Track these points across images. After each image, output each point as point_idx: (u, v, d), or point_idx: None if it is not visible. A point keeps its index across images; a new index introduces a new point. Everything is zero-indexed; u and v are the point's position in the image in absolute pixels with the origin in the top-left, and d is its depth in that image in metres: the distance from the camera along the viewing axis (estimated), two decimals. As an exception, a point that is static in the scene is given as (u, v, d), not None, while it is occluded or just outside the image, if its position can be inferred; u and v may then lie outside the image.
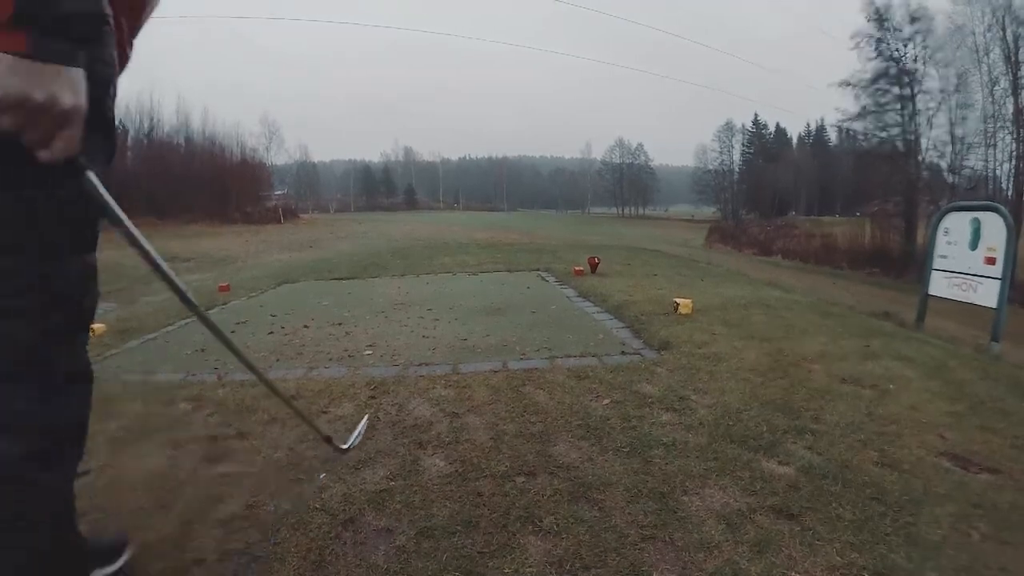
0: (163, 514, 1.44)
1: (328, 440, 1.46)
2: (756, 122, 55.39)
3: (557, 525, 1.32)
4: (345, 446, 1.58)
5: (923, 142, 21.54)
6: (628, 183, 64.92)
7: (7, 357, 0.75)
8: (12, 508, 0.77)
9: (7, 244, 0.72)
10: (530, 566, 1.20)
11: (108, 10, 0.71)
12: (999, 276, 3.25)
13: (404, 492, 1.49)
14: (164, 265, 0.82)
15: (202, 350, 2.95)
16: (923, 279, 3.89)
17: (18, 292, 0.74)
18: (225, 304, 4.42)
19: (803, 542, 1.23)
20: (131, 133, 22.67)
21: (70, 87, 0.63)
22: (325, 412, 2.01)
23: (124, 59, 0.87)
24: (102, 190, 0.72)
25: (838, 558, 1.18)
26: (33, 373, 0.77)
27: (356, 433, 1.70)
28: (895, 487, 1.45)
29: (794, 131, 58.23)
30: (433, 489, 1.50)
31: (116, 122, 0.86)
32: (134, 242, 0.77)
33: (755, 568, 1.16)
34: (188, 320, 3.84)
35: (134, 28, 0.90)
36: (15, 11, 0.59)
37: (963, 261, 3.51)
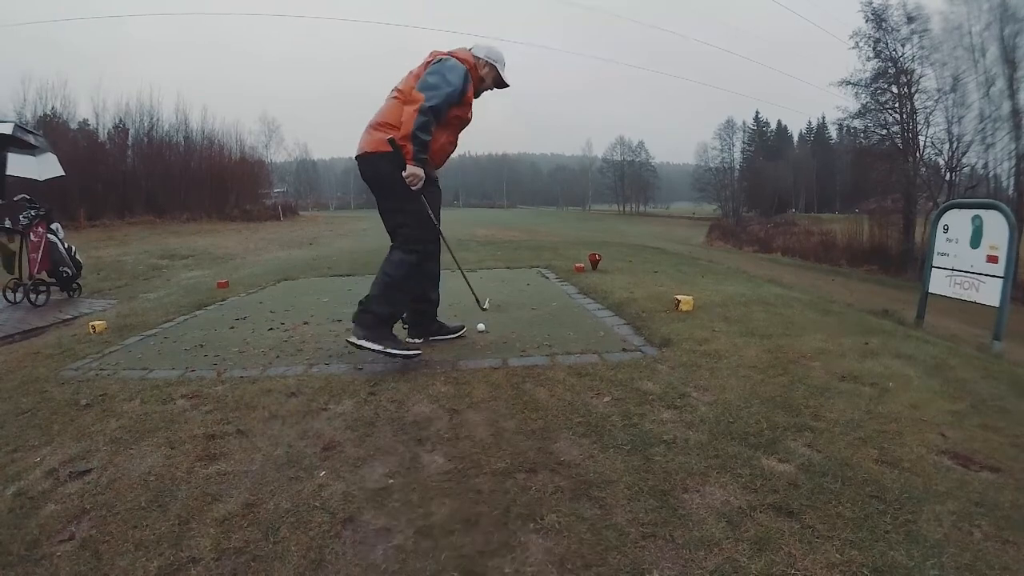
0: (161, 512, 1.44)
1: (478, 302, 2.96)
2: (757, 119, 55.29)
3: (558, 523, 1.32)
4: (485, 306, 3.00)
5: (921, 140, 21.54)
6: (629, 180, 64.81)
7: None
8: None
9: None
10: (531, 565, 1.19)
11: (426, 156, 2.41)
12: (1001, 275, 3.24)
13: (403, 490, 1.48)
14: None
15: (201, 346, 2.95)
16: (923, 277, 3.88)
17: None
18: (224, 300, 4.41)
19: (803, 540, 1.23)
20: (131, 132, 22.53)
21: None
22: (325, 409, 2.01)
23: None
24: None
25: (838, 555, 1.18)
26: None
27: (487, 300, 3.07)
28: (895, 485, 1.45)
29: (796, 128, 57.97)
30: (432, 486, 1.49)
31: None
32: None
33: (755, 566, 1.15)
34: (187, 317, 3.84)
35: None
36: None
37: (964, 259, 3.49)
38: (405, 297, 2.55)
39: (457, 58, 2.49)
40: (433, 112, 2.31)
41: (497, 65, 2.62)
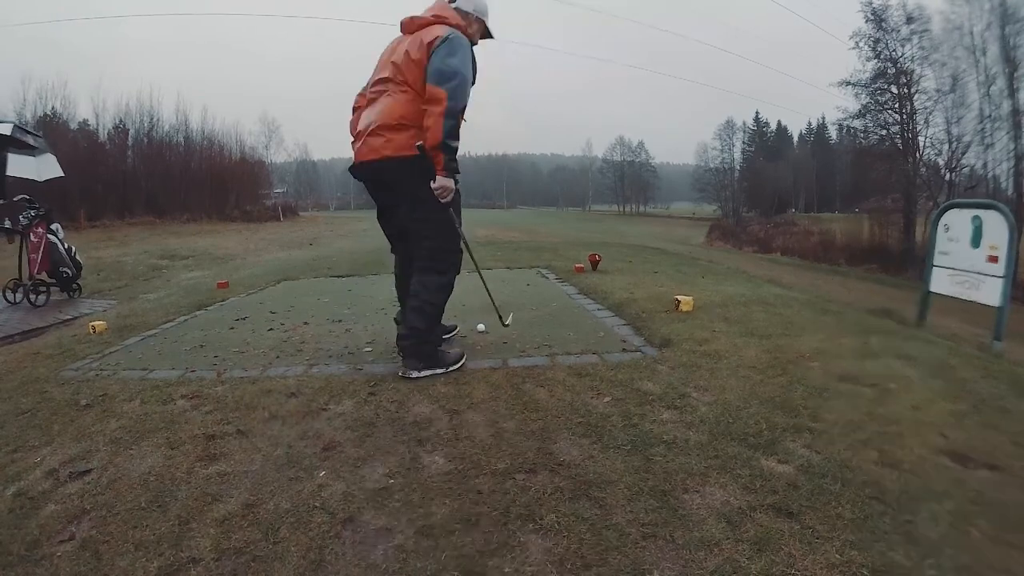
0: (161, 513, 1.44)
1: (500, 318, 2.78)
2: (757, 120, 55.28)
3: (558, 523, 1.32)
4: (507, 322, 2.81)
5: (921, 140, 21.56)
6: (629, 181, 64.85)
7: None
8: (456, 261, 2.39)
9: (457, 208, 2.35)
10: (531, 565, 1.19)
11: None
12: (1002, 275, 3.24)
13: (403, 490, 1.48)
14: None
15: (201, 346, 2.95)
16: (924, 276, 3.88)
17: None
18: (224, 301, 4.41)
19: (803, 540, 1.23)
20: (131, 132, 22.52)
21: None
22: (325, 409, 2.01)
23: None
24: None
25: (837, 556, 1.18)
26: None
27: (511, 316, 2.89)
28: (895, 486, 1.45)
29: (796, 129, 58.01)
30: (433, 487, 1.49)
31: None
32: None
33: (755, 566, 1.15)
34: (188, 317, 3.84)
35: None
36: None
37: (965, 259, 3.49)
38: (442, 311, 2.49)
39: (449, 25, 2.25)
40: (462, 112, 2.12)
41: (484, 19, 2.46)
